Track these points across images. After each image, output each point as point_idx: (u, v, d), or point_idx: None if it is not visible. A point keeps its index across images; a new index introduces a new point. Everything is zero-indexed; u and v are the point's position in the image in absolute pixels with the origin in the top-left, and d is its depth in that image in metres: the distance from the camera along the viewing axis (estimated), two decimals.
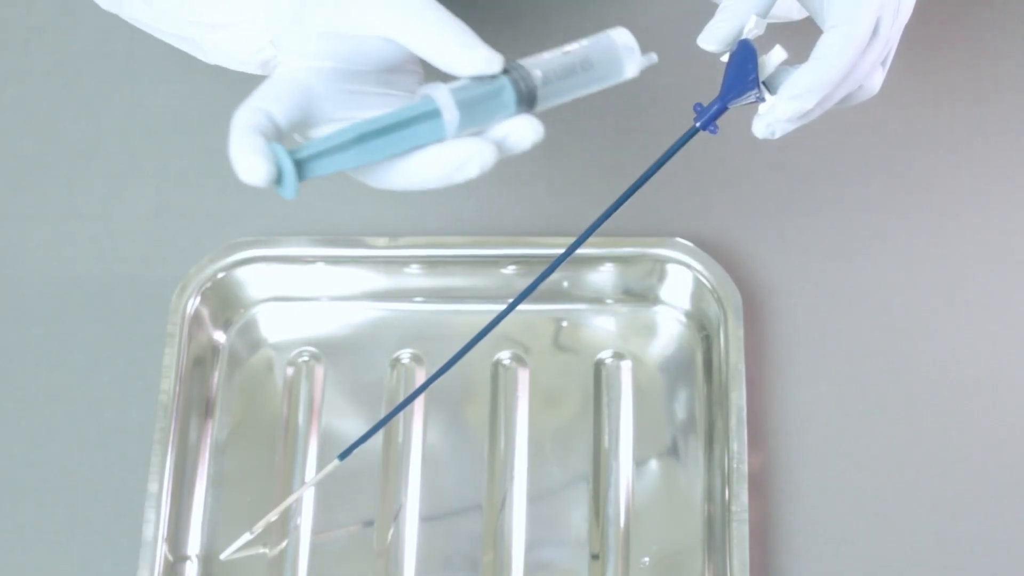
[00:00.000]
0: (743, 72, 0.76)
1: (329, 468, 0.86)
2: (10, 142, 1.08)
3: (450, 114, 0.68)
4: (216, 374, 0.99)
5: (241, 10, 0.81)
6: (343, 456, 0.86)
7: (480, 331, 0.82)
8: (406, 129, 0.68)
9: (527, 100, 0.72)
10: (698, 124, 0.77)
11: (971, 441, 0.96)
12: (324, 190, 1.05)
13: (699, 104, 0.77)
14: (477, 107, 0.70)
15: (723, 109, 0.77)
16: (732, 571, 0.88)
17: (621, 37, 0.76)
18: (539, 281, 0.81)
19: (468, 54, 0.71)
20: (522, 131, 0.71)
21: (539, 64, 0.73)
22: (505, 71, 0.72)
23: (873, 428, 0.96)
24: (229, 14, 0.81)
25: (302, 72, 0.72)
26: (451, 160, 0.69)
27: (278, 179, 0.67)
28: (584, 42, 0.74)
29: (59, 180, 1.06)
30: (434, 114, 0.68)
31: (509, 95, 0.71)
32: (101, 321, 1.00)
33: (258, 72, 0.85)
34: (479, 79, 0.71)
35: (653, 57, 0.77)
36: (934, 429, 0.96)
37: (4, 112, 1.09)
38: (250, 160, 0.67)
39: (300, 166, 0.67)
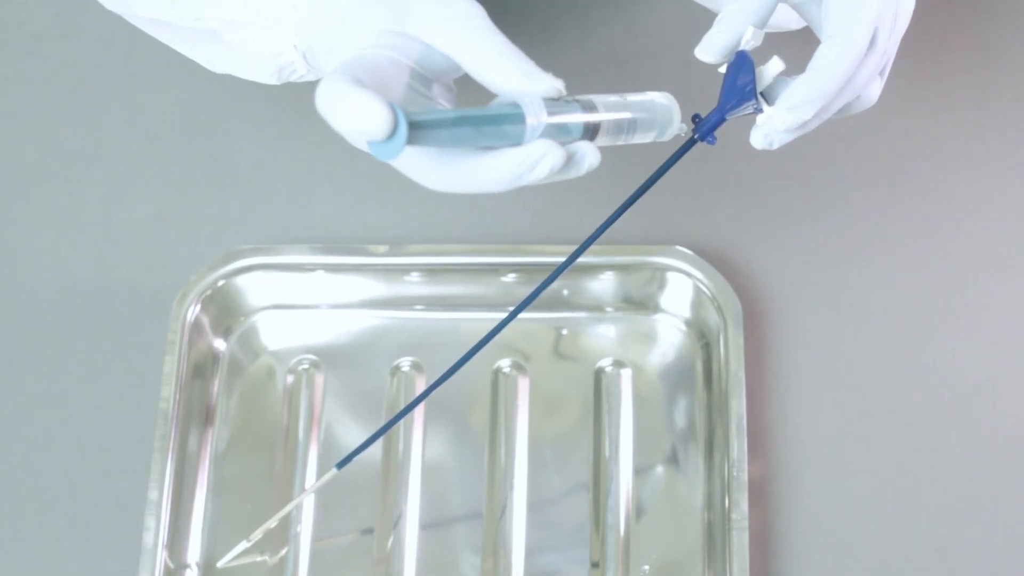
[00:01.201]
0: (741, 83, 0.76)
1: (327, 477, 0.86)
2: (11, 148, 1.08)
3: (537, 120, 0.68)
4: (216, 382, 0.99)
5: (271, 7, 0.80)
6: (341, 465, 0.85)
7: (481, 340, 0.82)
8: (496, 126, 0.67)
9: (589, 135, 0.72)
10: (696, 135, 0.77)
11: (971, 448, 0.96)
12: (324, 197, 1.05)
13: (697, 115, 0.77)
14: (556, 125, 0.69)
15: (721, 120, 0.77)
16: None
17: (672, 104, 0.76)
18: (539, 290, 0.81)
19: (530, 80, 0.70)
20: (585, 154, 0.70)
21: (606, 104, 0.73)
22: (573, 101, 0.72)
23: (873, 436, 0.96)
24: (256, 11, 0.80)
25: (375, 55, 0.70)
26: (526, 159, 0.68)
27: (392, 133, 0.63)
28: (641, 97, 0.75)
29: (59, 187, 1.06)
30: (522, 119, 0.67)
31: (578, 126, 0.71)
32: (101, 328, 1.00)
33: (270, 80, 0.85)
34: (569, 101, 0.70)
35: (684, 127, 0.77)
36: (934, 436, 0.96)
37: (5, 118, 1.09)
38: (370, 106, 0.63)
39: (412, 129, 0.64)
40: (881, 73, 0.80)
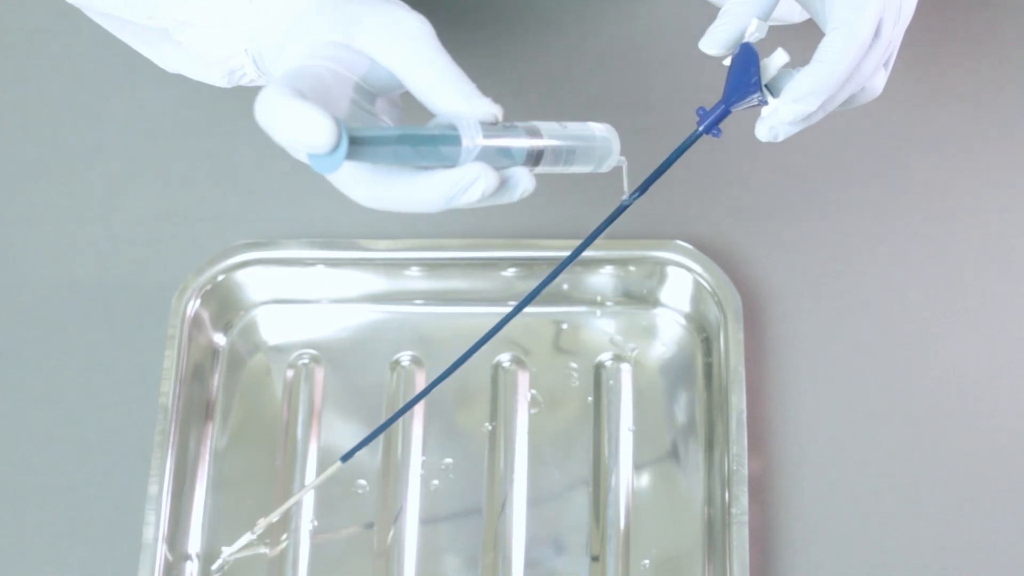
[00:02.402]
0: (745, 75, 0.76)
1: (331, 470, 0.86)
2: (11, 145, 1.08)
3: (473, 143, 0.68)
4: (216, 376, 0.99)
5: (222, 10, 0.80)
6: (346, 458, 0.86)
7: (485, 334, 0.83)
8: (433, 146, 0.67)
9: (532, 161, 0.73)
10: (701, 128, 0.77)
11: (971, 443, 0.96)
12: (324, 192, 1.05)
13: (702, 108, 0.77)
14: (493, 150, 0.70)
15: (726, 113, 0.77)
16: (732, 574, 0.88)
17: (612, 136, 0.77)
18: (543, 285, 0.81)
19: (469, 103, 0.71)
20: (519, 179, 0.71)
21: (546, 131, 0.73)
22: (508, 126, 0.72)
23: (873, 431, 0.96)
24: (208, 13, 0.80)
25: (319, 68, 0.71)
26: (459, 181, 0.68)
27: (334, 147, 0.64)
28: (581, 126, 0.75)
29: (60, 183, 1.06)
30: (458, 140, 0.68)
31: (521, 151, 0.72)
32: (101, 324, 1.00)
33: (220, 83, 0.84)
34: (507, 126, 0.71)
35: (623, 160, 0.78)
36: (934, 432, 0.96)
37: (5, 115, 1.09)
38: (313, 119, 0.63)
39: (351, 145, 0.65)
40: (885, 65, 0.80)
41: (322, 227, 1.03)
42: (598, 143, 0.76)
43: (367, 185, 0.69)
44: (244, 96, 1.07)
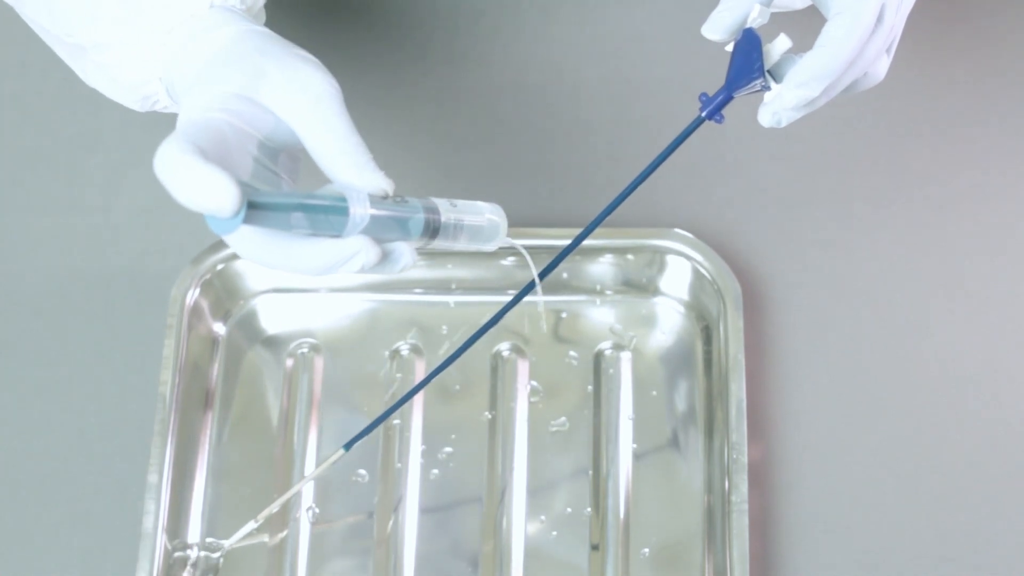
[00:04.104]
0: (748, 61, 0.76)
1: (335, 457, 0.86)
2: (10, 134, 1.08)
3: (360, 217, 0.70)
4: (216, 365, 0.99)
5: (138, 40, 0.80)
6: (349, 446, 0.86)
7: (489, 320, 0.83)
8: (324, 215, 0.69)
9: (429, 234, 0.75)
10: (704, 114, 0.77)
11: (970, 433, 0.96)
12: (323, 181, 1.05)
13: (704, 94, 0.77)
14: (384, 224, 0.72)
15: (729, 98, 0.77)
16: (732, 562, 0.88)
17: (500, 216, 0.80)
18: (547, 272, 0.82)
19: (361, 175, 0.72)
20: (401, 254, 0.73)
21: (447, 209, 0.76)
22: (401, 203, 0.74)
23: (873, 419, 0.96)
24: (124, 41, 0.80)
25: (220, 122, 0.71)
26: (340, 253, 0.70)
27: (236, 213, 0.66)
28: (471, 204, 0.78)
29: (59, 172, 1.06)
30: (346, 212, 0.70)
31: (417, 227, 0.74)
32: (101, 313, 1.00)
33: (134, 107, 0.84)
34: (397, 201, 0.73)
35: (509, 241, 0.80)
36: (934, 420, 0.96)
37: (4, 104, 1.09)
38: (218, 185, 0.64)
39: (249, 209, 0.67)
40: (888, 50, 0.80)
41: None
42: (486, 222, 0.78)
43: (257, 245, 0.70)
44: None
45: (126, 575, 0.90)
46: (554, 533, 0.93)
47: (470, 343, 0.84)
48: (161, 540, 0.90)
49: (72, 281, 1.02)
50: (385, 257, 0.72)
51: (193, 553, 0.92)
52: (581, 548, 0.93)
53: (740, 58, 0.76)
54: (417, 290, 1.00)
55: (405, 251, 0.73)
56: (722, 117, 0.77)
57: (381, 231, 0.72)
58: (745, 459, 0.90)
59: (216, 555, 0.92)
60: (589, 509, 0.94)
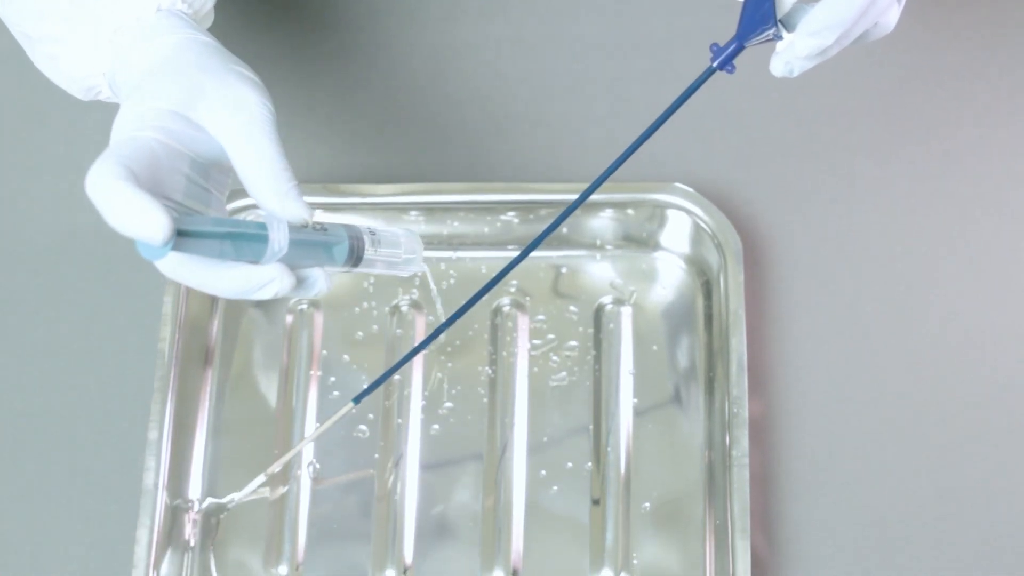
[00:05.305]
0: (760, 10, 0.76)
1: (343, 411, 0.86)
2: (9, 92, 1.07)
3: (278, 246, 0.72)
4: (215, 322, 0.98)
5: (83, 37, 0.81)
6: (358, 400, 0.86)
7: (496, 275, 0.84)
8: (247, 243, 0.71)
9: (352, 262, 0.78)
10: (715, 64, 0.77)
11: (971, 385, 0.96)
12: (323, 137, 1.04)
13: (715, 44, 0.77)
14: (305, 251, 0.75)
15: (740, 48, 0.76)
16: (733, 516, 0.88)
17: (417, 243, 0.83)
18: (552, 228, 0.82)
19: (282, 203, 0.74)
20: (315, 280, 0.76)
21: (368, 236, 0.79)
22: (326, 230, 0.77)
23: (873, 372, 0.96)
24: (69, 37, 0.81)
25: (152, 141, 0.72)
26: (255, 280, 0.72)
27: (166, 242, 0.67)
28: (390, 233, 0.81)
29: (59, 131, 1.06)
30: (265, 239, 0.72)
31: (342, 254, 0.77)
32: (100, 270, 1.00)
33: (78, 95, 0.85)
34: (318, 229, 0.76)
35: (425, 267, 0.85)
36: (934, 374, 0.96)
37: (3, 63, 1.08)
38: (149, 215, 0.66)
39: (178, 236, 0.68)
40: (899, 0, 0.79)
41: (321, 172, 1.02)
42: (403, 250, 0.81)
43: (182, 268, 0.72)
44: (244, 38, 1.07)
45: (127, 531, 0.90)
46: (555, 488, 0.93)
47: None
48: (162, 496, 0.90)
49: (72, 238, 1.01)
50: (301, 283, 0.75)
51: (191, 512, 0.93)
52: (582, 503, 0.93)
53: (752, 7, 0.76)
54: None
55: (320, 278, 0.76)
56: (733, 67, 0.77)
57: (303, 258, 0.74)
58: (746, 414, 0.90)
59: (228, 503, 0.92)
60: (590, 464, 0.94)
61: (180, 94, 0.75)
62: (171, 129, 0.73)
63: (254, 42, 1.07)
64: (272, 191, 0.74)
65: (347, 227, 0.78)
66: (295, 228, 0.74)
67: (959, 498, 0.93)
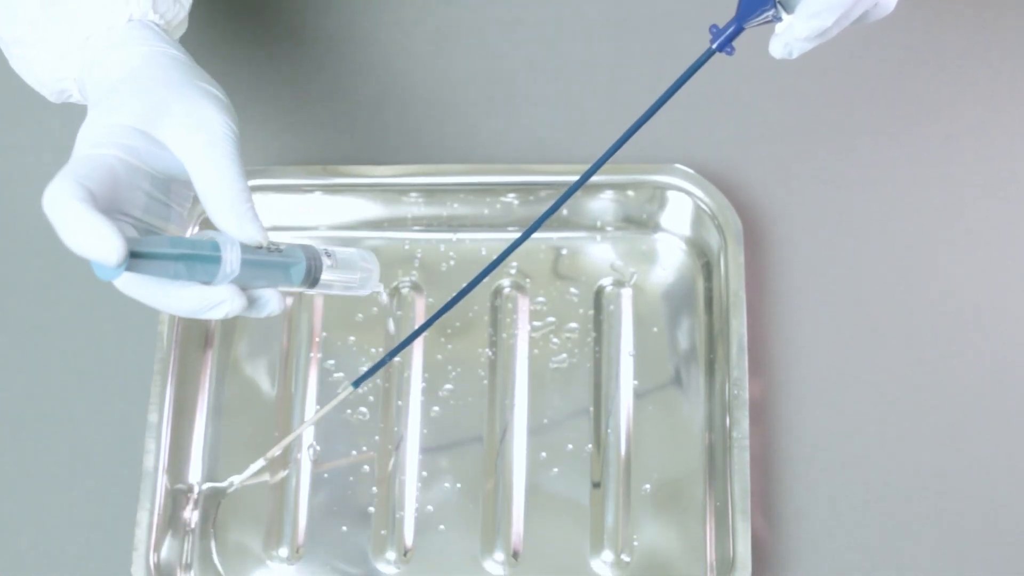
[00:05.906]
0: None
1: (344, 394, 0.86)
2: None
3: (230, 268, 0.73)
4: None
5: (55, 43, 0.81)
6: (357, 383, 0.86)
7: (496, 257, 0.83)
8: (201, 263, 0.72)
9: (309, 282, 0.78)
10: (715, 45, 0.76)
11: (972, 366, 0.96)
12: (322, 118, 1.04)
13: (715, 26, 0.76)
14: (259, 271, 0.75)
15: (740, 30, 0.76)
16: (733, 497, 0.88)
17: (374, 263, 0.84)
18: (553, 209, 0.82)
19: (239, 224, 0.74)
20: (267, 301, 0.76)
21: (325, 257, 0.80)
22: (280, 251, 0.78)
23: (873, 353, 0.96)
24: (40, 42, 0.81)
25: (112, 158, 0.73)
26: (206, 300, 0.73)
27: (120, 264, 0.68)
28: (347, 254, 0.82)
29: (57, 113, 1.05)
30: (219, 261, 0.72)
31: (299, 274, 0.77)
32: None
33: (50, 98, 0.85)
34: (273, 250, 0.76)
35: (381, 287, 0.88)
36: (934, 354, 0.96)
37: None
38: (104, 238, 0.67)
39: (131, 258, 0.69)
40: None
41: (320, 153, 1.02)
42: (359, 270, 0.82)
43: (137, 287, 0.73)
44: (242, 21, 1.07)
45: (128, 514, 0.90)
46: (555, 470, 0.93)
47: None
48: (162, 479, 0.90)
49: None
50: (254, 303, 0.75)
51: (191, 494, 0.93)
52: (582, 485, 0.93)
53: None
54: (417, 227, 1.00)
55: (273, 298, 0.76)
56: (733, 49, 0.76)
57: (257, 278, 0.75)
58: (746, 395, 0.90)
59: (228, 487, 0.92)
60: (590, 446, 0.94)
61: (143, 111, 0.75)
62: (132, 146, 0.74)
63: (252, 21, 1.07)
64: (230, 212, 0.74)
65: (304, 247, 0.79)
66: (250, 249, 0.74)
67: (959, 478, 0.93)
